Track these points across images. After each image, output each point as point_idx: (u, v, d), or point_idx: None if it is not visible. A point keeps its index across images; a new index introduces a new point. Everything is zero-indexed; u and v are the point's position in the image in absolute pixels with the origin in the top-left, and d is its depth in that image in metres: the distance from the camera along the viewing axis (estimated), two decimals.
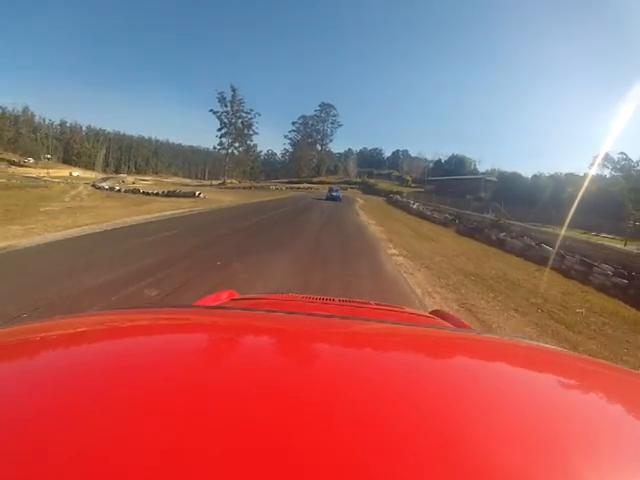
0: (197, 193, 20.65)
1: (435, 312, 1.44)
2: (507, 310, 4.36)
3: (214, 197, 21.01)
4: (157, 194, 20.30)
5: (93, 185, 25.99)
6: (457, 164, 59.26)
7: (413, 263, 6.55)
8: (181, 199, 18.32)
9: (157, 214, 10.77)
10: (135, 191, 21.99)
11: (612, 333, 4.23)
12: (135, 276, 4.23)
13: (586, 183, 24.79)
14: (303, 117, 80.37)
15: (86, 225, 7.65)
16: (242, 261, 5.39)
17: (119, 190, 22.26)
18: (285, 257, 6.06)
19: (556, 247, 9.38)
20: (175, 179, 72.75)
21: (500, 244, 11.10)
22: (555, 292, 5.83)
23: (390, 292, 4.64)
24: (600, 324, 4.48)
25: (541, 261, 8.88)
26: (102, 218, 8.93)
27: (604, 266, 7.68)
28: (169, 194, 20.47)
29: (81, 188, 21.65)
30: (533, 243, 10.24)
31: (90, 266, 4.54)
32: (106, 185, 25.73)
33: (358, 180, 63.49)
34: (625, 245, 10.10)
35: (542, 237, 10.80)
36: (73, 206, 12.15)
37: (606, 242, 11.14)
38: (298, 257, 6.19)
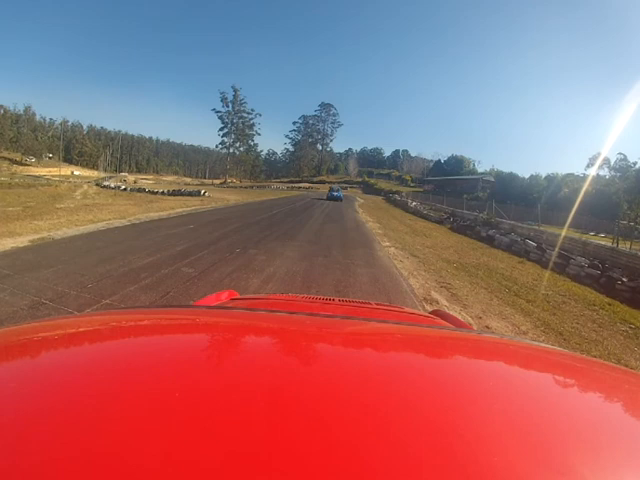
0: (202, 192, 21.26)
1: (435, 312, 1.44)
2: (478, 288, 5.18)
3: (219, 196, 21.73)
4: (164, 193, 20.88)
5: (97, 184, 26.53)
6: (456, 164, 60.03)
7: (404, 253, 7.42)
8: (188, 198, 18.93)
9: (170, 211, 11.50)
10: (141, 190, 22.60)
11: (568, 309, 5.00)
12: (173, 258, 5.09)
13: (583, 184, 25.50)
14: (304, 117, 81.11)
15: (109, 220, 8.33)
16: (257, 248, 6.33)
17: (125, 189, 22.82)
18: (293, 245, 6.99)
19: (542, 243, 10.10)
20: (175, 178, 73.44)
21: (489, 240, 11.84)
22: (528, 278, 6.61)
23: (382, 273, 5.48)
24: (560, 302, 5.25)
25: (524, 255, 9.65)
26: (121, 214, 9.60)
27: (579, 259, 8.42)
28: (175, 193, 21.05)
29: (85, 187, 22.18)
30: (519, 239, 10.94)
31: (132, 251, 5.33)
32: (112, 184, 26.26)
33: (358, 180, 64.09)
34: (614, 243, 10.36)
35: (529, 234, 11.42)
36: (87, 203, 12.59)
37: (595, 240, 11.56)
38: (303, 246, 7.08)
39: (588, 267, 7.97)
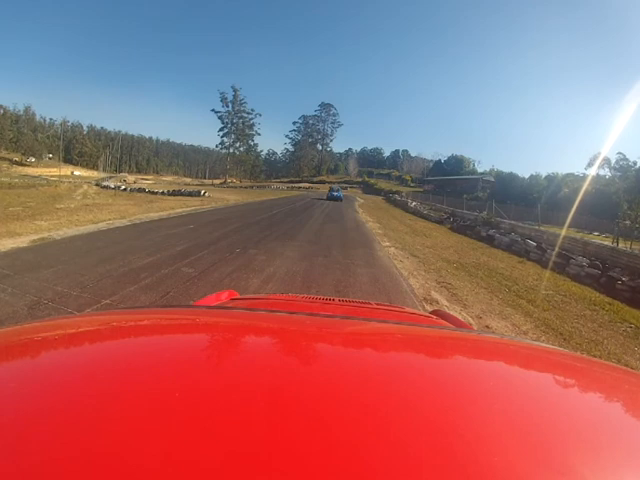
0: (202, 192, 21.26)
1: (435, 312, 1.44)
2: (478, 288, 5.18)
3: (219, 196, 21.72)
4: (163, 193, 20.86)
5: (97, 184, 26.49)
6: (456, 164, 60.00)
7: (404, 253, 7.42)
8: (188, 198, 18.93)
9: (170, 211, 11.50)
10: (141, 190, 22.59)
11: (569, 309, 5.00)
12: (173, 258, 5.10)
13: (583, 183, 25.49)
14: (304, 117, 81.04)
15: (109, 220, 8.32)
16: (257, 248, 6.34)
17: (125, 189, 22.80)
18: (293, 245, 7.00)
19: (542, 243, 10.08)
20: (175, 178, 73.46)
21: (489, 240, 11.83)
22: (529, 278, 6.60)
23: (382, 273, 5.49)
24: (560, 302, 5.25)
25: (524, 254, 9.65)
26: (121, 214, 9.59)
27: (580, 258, 8.40)
28: (175, 193, 21.03)
29: (85, 187, 22.14)
30: (519, 239, 10.94)
31: (132, 251, 5.32)
32: (112, 184, 26.22)
33: (358, 180, 64.08)
34: (614, 243, 10.31)
35: (530, 234, 11.39)
36: (87, 204, 12.55)
37: (595, 240, 11.48)
38: (304, 246, 7.08)
39: (588, 267, 7.95)
